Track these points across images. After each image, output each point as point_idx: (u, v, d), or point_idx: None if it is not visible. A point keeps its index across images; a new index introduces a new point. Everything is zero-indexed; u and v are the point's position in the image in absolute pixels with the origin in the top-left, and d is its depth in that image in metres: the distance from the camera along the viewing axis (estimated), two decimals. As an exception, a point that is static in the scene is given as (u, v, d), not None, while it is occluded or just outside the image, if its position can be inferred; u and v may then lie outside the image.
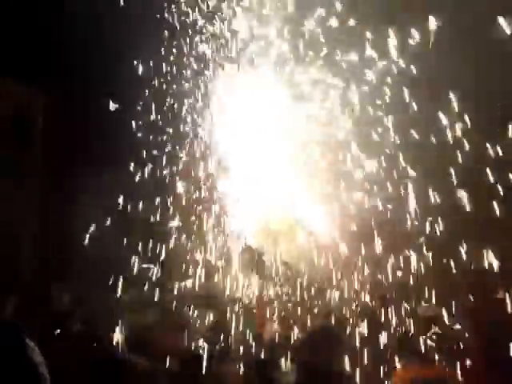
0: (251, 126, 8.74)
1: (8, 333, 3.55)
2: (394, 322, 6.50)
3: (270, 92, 8.85)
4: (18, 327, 3.72)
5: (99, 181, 10.30)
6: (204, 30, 9.48)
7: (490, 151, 6.87)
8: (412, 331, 5.84)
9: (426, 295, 6.42)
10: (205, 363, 4.84)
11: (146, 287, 7.99)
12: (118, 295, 7.62)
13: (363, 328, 6.15)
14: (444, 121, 7.17)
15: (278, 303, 7.91)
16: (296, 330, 6.95)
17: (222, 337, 6.29)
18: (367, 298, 7.33)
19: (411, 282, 6.88)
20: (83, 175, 10.21)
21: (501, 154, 6.81)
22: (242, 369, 5.49)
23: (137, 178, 9.50)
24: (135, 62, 9.32)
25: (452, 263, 6.64)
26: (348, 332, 6.23)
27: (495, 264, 6.30)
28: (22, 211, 9.61)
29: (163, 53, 9.57)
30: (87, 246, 9.13)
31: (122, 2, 8.92)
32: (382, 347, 5.75)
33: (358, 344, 5.68)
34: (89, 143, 10.04)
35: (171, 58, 9.63)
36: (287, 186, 8.57)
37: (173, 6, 9.54)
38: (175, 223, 8.93)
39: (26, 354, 3.42)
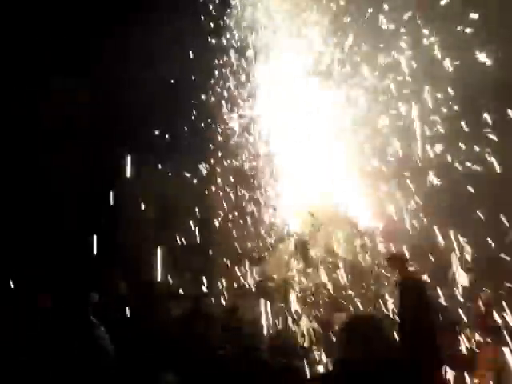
0: (296, 114, 8.76)
1: (77, 313, 3.90)
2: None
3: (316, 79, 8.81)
4: (86, 308, 4.03)
5: (147, 173, 10.54)
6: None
7: None
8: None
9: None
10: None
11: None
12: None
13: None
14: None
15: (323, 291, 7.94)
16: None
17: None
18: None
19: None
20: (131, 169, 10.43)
21: None
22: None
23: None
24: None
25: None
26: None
27: None
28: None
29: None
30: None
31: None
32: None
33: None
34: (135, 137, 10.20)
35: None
36: (331, 174, 8.56)
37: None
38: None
39: (93, 332, 3.78)
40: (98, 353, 3.86)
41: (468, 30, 7.28)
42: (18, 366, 3.75)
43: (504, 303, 5.73)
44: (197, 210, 9.16)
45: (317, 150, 8.58)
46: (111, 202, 9.80)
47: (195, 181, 9.50)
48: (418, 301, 5.05)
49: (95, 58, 9.68)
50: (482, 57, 7.17)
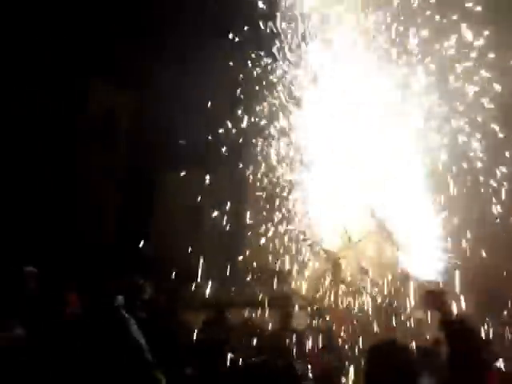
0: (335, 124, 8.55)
1: (111, 310, 3.76)
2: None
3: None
4: (119, 306, 3.90)
5: (178, 179, 10.56)
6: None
7: None
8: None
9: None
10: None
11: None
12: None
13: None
14: None
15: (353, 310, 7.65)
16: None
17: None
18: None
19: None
20: (164, 173, 10.52)
21: None
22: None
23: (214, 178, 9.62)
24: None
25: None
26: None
27: None
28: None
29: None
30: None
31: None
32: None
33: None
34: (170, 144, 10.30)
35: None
36: (369, 190, 8.30)
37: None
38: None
39: (127, 329, 3.62)
40: (136, 349, 3.68)
41: None
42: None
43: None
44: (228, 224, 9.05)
45: (355, 161, 8.32)
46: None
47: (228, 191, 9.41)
48: (467, 347, 4.54)
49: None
50: None
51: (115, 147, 10.66)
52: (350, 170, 8.18)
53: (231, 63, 9.38)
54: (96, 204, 9.80)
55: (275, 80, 9.01)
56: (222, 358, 5.06)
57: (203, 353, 5.30)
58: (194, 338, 5.65)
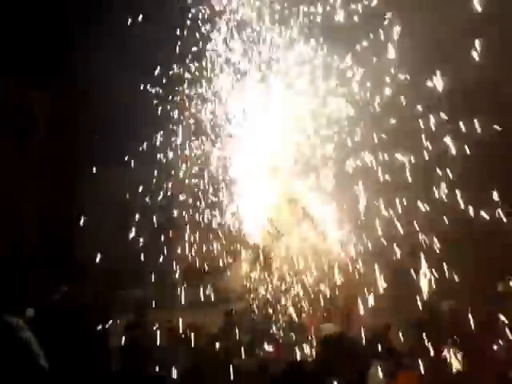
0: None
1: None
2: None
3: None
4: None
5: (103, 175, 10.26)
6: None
7: None
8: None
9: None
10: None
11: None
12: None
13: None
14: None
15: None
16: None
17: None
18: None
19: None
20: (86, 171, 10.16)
21: None
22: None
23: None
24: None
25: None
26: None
27: None
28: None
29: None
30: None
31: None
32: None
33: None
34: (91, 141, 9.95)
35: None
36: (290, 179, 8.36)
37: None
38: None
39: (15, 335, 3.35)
40: (26, 358, 3.41)
41: None
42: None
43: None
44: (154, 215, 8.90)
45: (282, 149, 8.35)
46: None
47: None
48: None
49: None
50: None
51: (32, 145, 10.14)
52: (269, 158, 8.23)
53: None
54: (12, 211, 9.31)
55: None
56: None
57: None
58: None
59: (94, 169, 9.73)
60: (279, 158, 8.26)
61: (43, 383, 3.27)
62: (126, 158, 9.37)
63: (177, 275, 8.38)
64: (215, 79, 9.21)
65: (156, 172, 9.22)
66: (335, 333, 5.24)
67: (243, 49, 8.98)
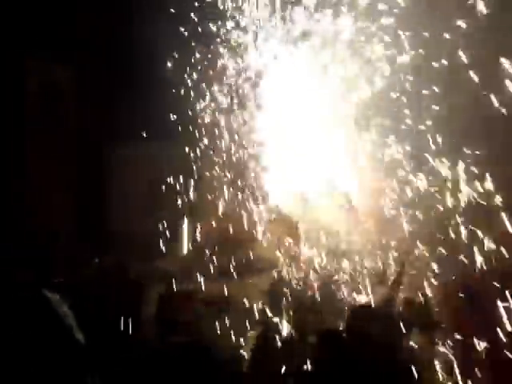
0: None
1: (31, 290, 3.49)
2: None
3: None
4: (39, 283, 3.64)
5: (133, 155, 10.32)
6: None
7: None
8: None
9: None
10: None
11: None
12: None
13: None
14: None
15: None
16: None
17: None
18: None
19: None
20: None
21: None
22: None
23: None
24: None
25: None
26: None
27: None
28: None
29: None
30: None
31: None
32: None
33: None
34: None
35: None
36: (323, 150, 8.23)
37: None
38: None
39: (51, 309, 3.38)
40: (62, 332, 3.43)
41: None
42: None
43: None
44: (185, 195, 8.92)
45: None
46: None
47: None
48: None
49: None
50: None
51: (61, 125, 10.22)
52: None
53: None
54: (48, 193, 9.45)
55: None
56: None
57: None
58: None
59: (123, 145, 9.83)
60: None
61: (79, 356, 3.29)
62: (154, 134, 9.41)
63: (208, 247, 8.42)
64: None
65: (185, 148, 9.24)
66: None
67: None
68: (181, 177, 9.02)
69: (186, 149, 9.26)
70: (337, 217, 7.92)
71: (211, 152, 9.25)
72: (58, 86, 10.04)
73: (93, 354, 3.36)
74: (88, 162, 10.01)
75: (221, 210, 8.67)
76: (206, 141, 9.33)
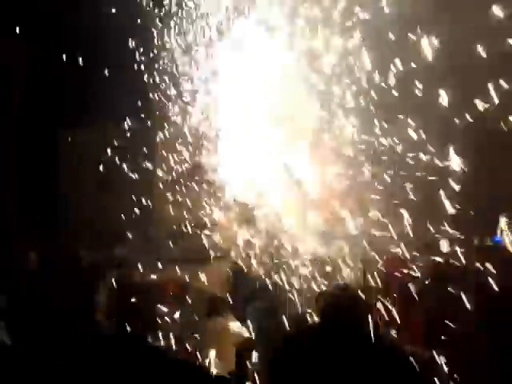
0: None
1: None
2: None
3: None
4: None
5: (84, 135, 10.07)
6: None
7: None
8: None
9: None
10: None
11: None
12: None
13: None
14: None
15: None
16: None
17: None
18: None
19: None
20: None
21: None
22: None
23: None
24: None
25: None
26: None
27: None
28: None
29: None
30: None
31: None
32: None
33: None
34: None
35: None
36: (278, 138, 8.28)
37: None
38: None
39: None
40: None
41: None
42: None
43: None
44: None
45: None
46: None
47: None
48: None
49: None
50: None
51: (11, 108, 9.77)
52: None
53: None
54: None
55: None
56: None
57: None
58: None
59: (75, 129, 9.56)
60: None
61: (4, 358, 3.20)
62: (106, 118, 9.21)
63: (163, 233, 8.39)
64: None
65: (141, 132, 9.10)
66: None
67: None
68: (136, 163, 8.91)
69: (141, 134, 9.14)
70: (292, 203, 8.04)
71: (167, 137, 9.16)
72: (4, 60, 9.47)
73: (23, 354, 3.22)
74: (36, 146, 9.66)
75: (177, 197, 8.63)
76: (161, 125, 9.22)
